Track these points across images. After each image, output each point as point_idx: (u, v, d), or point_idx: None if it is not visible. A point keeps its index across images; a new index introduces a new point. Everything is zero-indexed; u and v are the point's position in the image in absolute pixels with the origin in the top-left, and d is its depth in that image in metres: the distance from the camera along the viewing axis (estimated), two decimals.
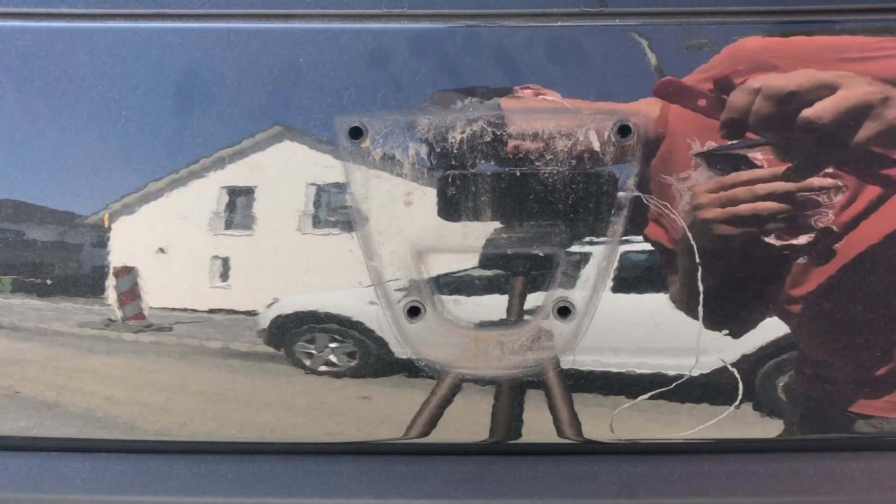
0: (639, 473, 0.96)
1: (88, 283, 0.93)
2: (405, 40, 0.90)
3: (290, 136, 0.91)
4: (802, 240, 0.89)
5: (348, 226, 0.90)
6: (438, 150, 0.89)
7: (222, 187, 0.91)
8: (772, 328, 0.92)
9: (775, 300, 0.91)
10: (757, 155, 0.88)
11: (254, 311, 0.93)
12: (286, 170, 0.90)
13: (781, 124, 0.85)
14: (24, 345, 0.96)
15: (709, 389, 0.94)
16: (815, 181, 0.87)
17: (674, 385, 0.93)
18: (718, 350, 0.92)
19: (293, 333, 0.94)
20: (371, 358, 0.94)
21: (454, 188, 0.89)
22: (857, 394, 0.95)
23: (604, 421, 0.96)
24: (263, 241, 0.91)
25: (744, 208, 0.87)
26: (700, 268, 0.89)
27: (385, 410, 0.96)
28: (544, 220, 0.90)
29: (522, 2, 0.91)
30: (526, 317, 0.92)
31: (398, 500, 0.94)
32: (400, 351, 0.94)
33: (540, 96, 0.87)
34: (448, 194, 0.89)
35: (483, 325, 0.92)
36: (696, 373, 0.93)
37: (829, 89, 0.85)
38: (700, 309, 0.90)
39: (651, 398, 0.94)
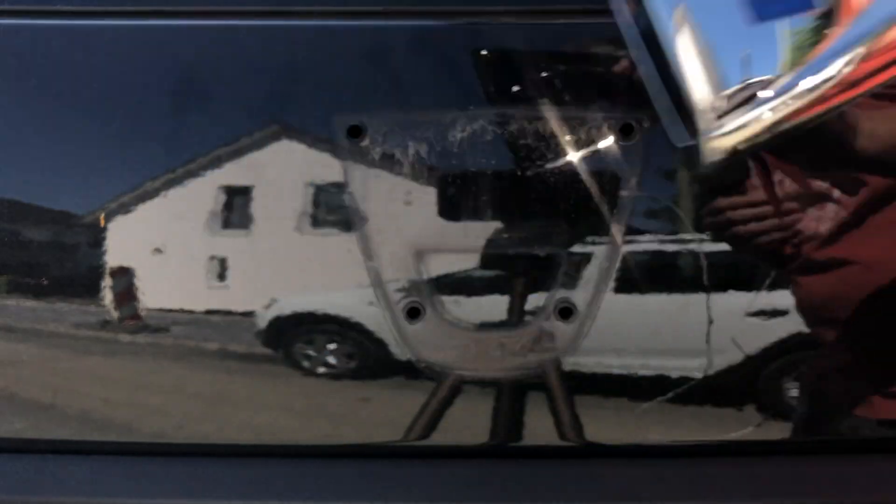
0: (642, 476, 0.95)
1: (84, 284, 0.93)
2: (405, 38, 0.89)
3: (288, 135, 0.90)
4: None
5: (347, 226, 0.90)
6: (439, 149, 0.88)
7: (220, 187, 0.90)
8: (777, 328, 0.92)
9: None
10: None
11: (252, 311, 0.92)
12: (284, 169, 0.90)
13: None
14: (20, 346, 0.95)
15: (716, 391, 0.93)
16: None
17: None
18: None
19: (291, 335, 0.93)
20: (370, 359, 0.94)
21: (454, 188, 0.89)
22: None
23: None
24: (261, 241, 0.91)
25: None
26: None
27: (384, 412, 0.95)
28: (545, 221, 0.89)
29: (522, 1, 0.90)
30: (527, 318, 0.91)
31: (398, 503, 0.94)
32: (399, 352, 0.93)
33: None
34: (448, 194, 0.89)
35: (484, 326, 0.92)
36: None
37: None
38: None
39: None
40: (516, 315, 0.91)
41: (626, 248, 0.90)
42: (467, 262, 0.91)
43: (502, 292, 0.91)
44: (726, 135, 0.64)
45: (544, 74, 0.89)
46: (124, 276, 0.92)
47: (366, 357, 0.94)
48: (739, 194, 0.88)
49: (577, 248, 0.90)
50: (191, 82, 0.90)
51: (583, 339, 0.91)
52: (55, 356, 0.96)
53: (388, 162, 0.89)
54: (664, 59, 0.66)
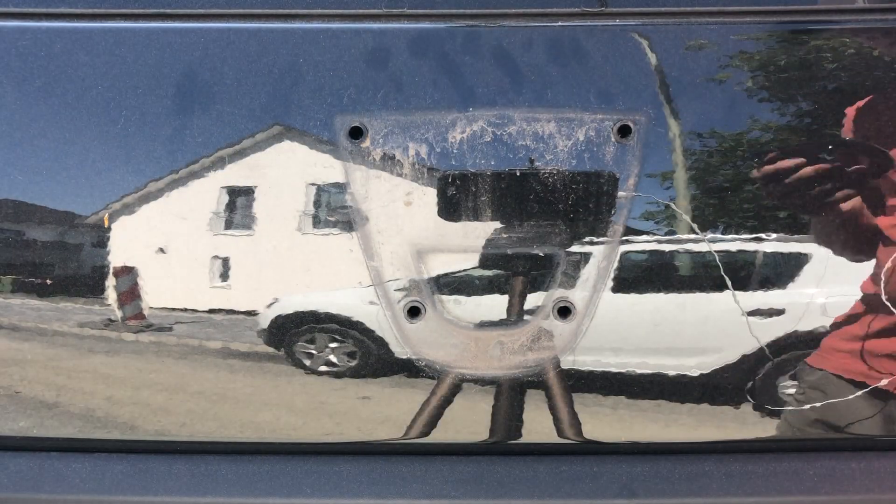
0: (639, 473, 0.96)
1: (88, 283, 0.93)
2: (405, 40, 0.90)
3: (290, 136, 0.91)
4: None
5: (348, 226, 0.90)
6: (438, 149, 0.89)
7: (222, 187, 0.91)
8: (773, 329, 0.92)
9: None
10: None
11: (254, 311, 0.93)
12: (286, 170, 0.90)
13: None
14: (24, 345, 0.96)
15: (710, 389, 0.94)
16: None
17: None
18: None
19: (293, 333, 0.94)
20: (371, 358, 0.94)
21: (454, 188, 0.89)
22: None
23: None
24: (263, 241, 0.91)
25: None
26: None
27: (385, 410, 0.96)
28: (544, 220, 0.90)
29: (523, 2, 0.91)
30: (526, 317, 0.92)
31: (398, 500, 0.94)
32: (400, 351, 0.93)
33: None
34: (448, 194, 0.89)
35: (483, 325, 0.92)
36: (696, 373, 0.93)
37: None
38: None
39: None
40: (515, 314, 0.92)
41: (623, 248, 0.90)
42: (467, 262, 0.92)
43: (501, 292, 0.92)
44: None
45: (542, 76, 0.89)
46: (128, 275, 0.93)
47: (366, 356, 0.94)
48: None
49: (575, 248, 0.90)
50: (194, 84, 0.90)
51: (581, 338, 0.92)
52: (59, 355, 0.96)
53: (389, 162, 0.89)
54: None
